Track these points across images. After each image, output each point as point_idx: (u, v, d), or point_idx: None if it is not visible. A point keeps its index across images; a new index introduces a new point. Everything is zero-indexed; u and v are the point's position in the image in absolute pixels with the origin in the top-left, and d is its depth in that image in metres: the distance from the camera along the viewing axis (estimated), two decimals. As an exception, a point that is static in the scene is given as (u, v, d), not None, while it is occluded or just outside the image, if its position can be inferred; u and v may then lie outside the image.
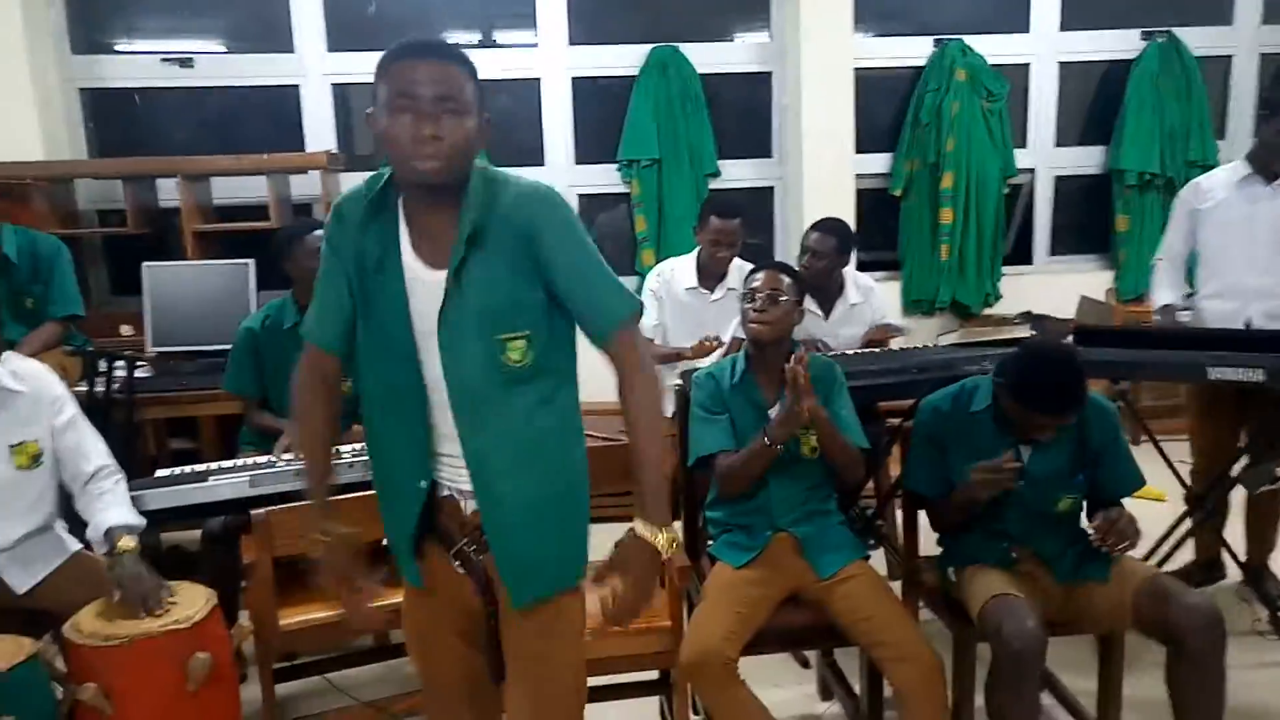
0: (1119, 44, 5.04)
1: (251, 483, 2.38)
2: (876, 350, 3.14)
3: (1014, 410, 2.03)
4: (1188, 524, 2.90)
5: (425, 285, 1.43)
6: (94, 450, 2.23)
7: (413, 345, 1.45)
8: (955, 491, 2.16)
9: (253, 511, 2.20)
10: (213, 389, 3.25)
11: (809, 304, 3.24)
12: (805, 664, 2.81)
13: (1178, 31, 4.95)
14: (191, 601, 2.03)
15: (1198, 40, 4.99)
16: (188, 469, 2.52)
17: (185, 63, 4.51)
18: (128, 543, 2.07)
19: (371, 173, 1.50)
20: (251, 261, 3.69)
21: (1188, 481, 2.97)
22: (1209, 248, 3.07)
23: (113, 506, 2.16)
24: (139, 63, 4.56)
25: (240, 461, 2.64)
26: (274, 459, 2.61)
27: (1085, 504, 2.23)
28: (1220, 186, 3.05)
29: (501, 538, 1.48)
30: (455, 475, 1.50)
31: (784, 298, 2.26)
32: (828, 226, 3.26)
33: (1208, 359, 2.58)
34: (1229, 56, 5.16)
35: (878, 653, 2.06)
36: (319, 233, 2.92)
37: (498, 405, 1.44)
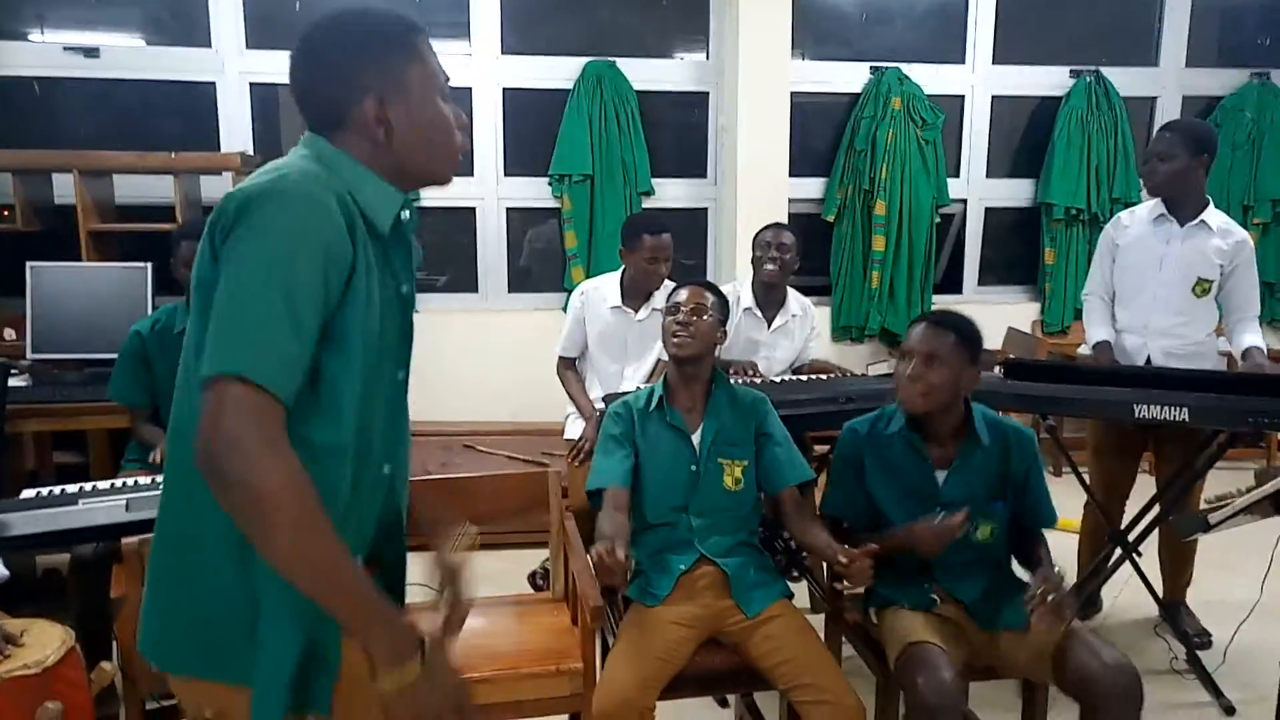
0: (1049, 80, 5.12)
1: (127, 506, 2.17)
2: (805, 379, 3.06)
3: None
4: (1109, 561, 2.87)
5: None
6: None
7: None
8: (886, 536, 2.08)
9: (124, 540, 2.00)
10: (100, 400, 3.01)
11: (753, 309, 3.20)
12: (723, 703, 2.70)
13: (1105, 71, 5.04)
14: (44, 643, 1.83)
15: (1124, 80, 5.08)
16: (57, 489, 2.30)
17: (90, 53, 4.25)
18: None
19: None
20: (148, 265, 3.45)
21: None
22: (1121, 282, 3.10)
23: None
24: (39, 51, 4.29)
25: (119, 482, 2.42)
26: (158, 480, 2.40)
27: (1008, 540, 2.16)
28: (1138, 223, 3.07)
29: None
30: None
31: (708, 314, 2.21)
32: (779, 225, 3.25)
33: (1134, 397, 2.56)
34: (1154, 97, 5.27)
35: (798, 695, 1.96)
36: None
37: None
